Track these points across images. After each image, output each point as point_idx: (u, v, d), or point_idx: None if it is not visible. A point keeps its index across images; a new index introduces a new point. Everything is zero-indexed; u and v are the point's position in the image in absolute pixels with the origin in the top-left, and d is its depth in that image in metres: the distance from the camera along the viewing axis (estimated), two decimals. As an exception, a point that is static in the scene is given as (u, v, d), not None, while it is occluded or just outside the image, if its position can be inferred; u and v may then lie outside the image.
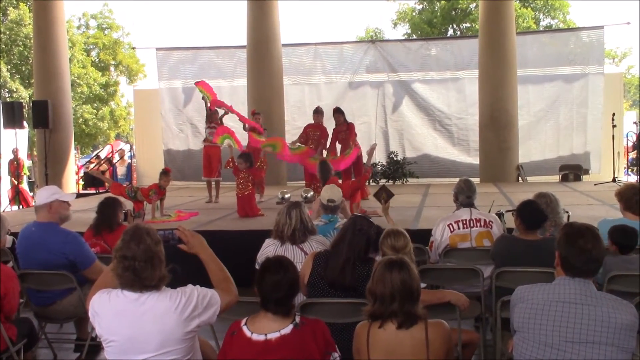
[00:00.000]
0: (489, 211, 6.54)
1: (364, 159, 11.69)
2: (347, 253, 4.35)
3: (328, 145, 12.34)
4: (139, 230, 3.37)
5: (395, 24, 40.18)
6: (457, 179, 6.34)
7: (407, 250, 4.50)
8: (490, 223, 5.90)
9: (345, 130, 12.19)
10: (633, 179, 17.51)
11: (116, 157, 21.31)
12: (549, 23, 37.51)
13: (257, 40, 16.63)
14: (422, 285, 3.93)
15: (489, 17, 16.18)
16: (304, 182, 12.68)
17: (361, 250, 4.39)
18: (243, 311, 3.71)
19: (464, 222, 5.90)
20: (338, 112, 12.31)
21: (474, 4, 34.53)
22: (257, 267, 4.82)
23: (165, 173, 10.05)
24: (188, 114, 19.57)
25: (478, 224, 5.88)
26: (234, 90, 18.94)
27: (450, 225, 5.91)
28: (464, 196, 6.03)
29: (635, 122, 17.52)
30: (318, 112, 12.61)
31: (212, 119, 12.13)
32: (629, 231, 4.89)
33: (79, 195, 15.80)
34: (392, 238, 4.57)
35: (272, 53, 16.65)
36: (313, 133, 12.29)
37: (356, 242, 4.40)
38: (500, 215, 6.39)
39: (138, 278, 3.28)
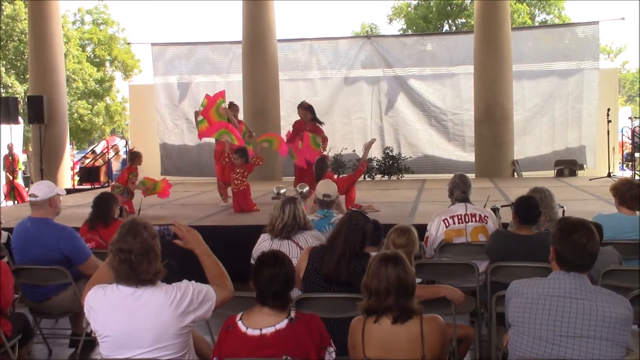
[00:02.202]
0: (484, 206, 6.54)
1: (360, 154, 11.55)
2: (342, 248, 4.34)
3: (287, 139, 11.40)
4: (136, 224, 3.37)
5: (390, 20, 40.19)
6: (453, 175, 6.35)
7: (409, 250, 4.49)
8: (486, 218, 5.90)
9: (310, 130, 11.14)
10: (628, 174, 17.54)
11: (111, 153, 21.28)
12: (544, 18, 37.53)
13: (253, 35, 16.61)
14: (418, 280, 3.94)
15: (485, 13, 16.20)
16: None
17: (357, 245, 4.38)
18: (238, 306, 3.71)
19: (459, 217, 5.90)
20: (304, 108, 11.35)
21: (469, 0, 34.53)
22: (252, 262, 4.82)
23: (134, 154, 10.07)
24: (183, 109, 19.56)
25: (473, 219, 5.88)
26: (229, 86, 18.89)
27: (446, 220, 5.92)
28: (459, 191, 6.03)
29: (630, 118, 17.54)
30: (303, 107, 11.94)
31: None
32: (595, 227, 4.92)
33: (75, 191, 15.80)
34: (395, 234, 4.59)
35: (267, 48, 16.63)
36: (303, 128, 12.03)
37: (352, 237, 4.39)
38: (495, 210, 6.40)
39: (134, 272, 3.28)
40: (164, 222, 3.81)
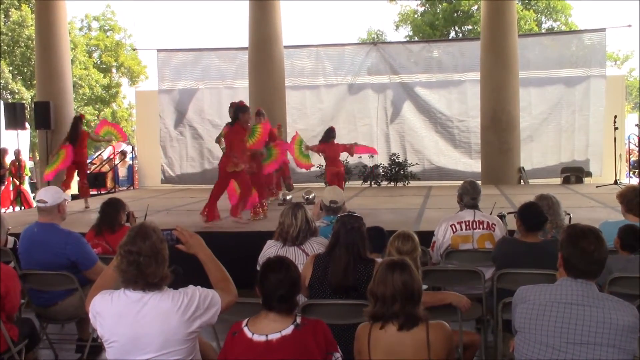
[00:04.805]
0: (491, 213, 6.53)
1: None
2: (346, 257, 4.33)
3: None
4: (145, 227, 3.40)
5: (397, 26, 40.18)
6: (459, 181, 6.34)
7: (414, 256, 4.48)
8: (493, 226, 5.88)
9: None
10: (635, 181, 17.50)
11: (117, 159, 21.32)
12: (551, 25, 37.52)
13: (259, 41, 16.63)
14: (424, 286, 3.93)
15: (491, 19, 16.20)
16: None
17: (359, 248, 4.37)
18: (244, 312, 3.70)
19: (467, 223, 5.89)
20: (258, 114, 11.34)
21: (476, 6, 34.54)
22: (258, 268, 4.81)
23: None
24: (188, 116, 19.59)
25: (481, 226, 5.86)
26: (235, 92, 18.96)
27: (453, 226, 5.91)
28: (469, 197, 6.01)
29: (637, 125, 17.51)
30: (259, 114, 11.52)
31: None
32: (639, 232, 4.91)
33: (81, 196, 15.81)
34: (399, 240, 4.56)
35: (273, 54, 16.66)
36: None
37: (352, 241, 4.38)
38: (501, 217, 6.39)
39: (142, 274, 3.29)
40: (168, 227, 3.80)
